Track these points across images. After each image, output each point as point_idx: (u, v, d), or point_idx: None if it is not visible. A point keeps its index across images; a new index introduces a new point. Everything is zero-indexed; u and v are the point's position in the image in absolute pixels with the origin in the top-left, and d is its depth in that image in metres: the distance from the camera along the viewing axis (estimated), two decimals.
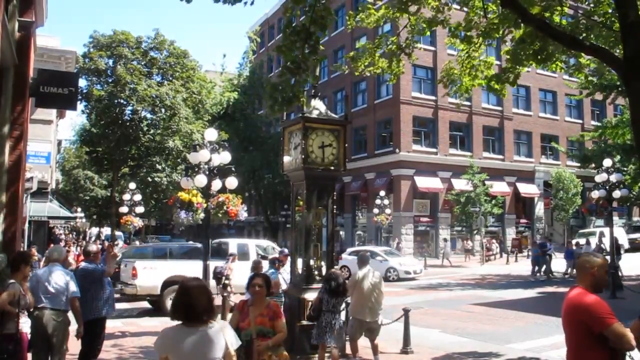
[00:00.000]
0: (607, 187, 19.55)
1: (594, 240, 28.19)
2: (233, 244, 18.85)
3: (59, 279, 7.05)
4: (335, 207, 9.08)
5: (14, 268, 6.61)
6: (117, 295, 11.85)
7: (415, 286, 22.61)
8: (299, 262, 9.14)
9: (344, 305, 8.27)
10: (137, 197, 27.37)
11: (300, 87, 7.40)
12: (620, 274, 20.35)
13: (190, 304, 3.57)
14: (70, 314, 7.21)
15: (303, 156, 8.42)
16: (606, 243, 26.03)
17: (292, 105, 7.72)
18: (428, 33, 12.26)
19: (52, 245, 16.12)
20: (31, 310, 6.71)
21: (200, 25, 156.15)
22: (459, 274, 28.16)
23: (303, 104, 8.28)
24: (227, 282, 13.35)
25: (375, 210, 32.32)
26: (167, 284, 14.40)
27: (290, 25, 7.26)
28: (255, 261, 11.77)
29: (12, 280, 6.39)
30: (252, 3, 7.69)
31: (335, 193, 9.21)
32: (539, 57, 9.37)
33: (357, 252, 26.08)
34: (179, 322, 3.59)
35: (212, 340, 3.54)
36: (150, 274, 14.82)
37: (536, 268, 25.47)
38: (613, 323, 3.86)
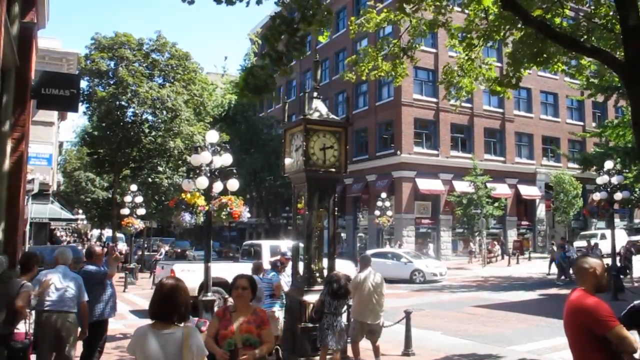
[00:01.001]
0: (609, 189, 19.54)
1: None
2: (266, 245, 18.96)
3: (68, 281, 7.05)
4: (336, 209, 9.08)
5: (26, 268, 6.67)
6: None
7: (418, 288, 22.60)
8: (300, 264, 9.14)
9: (345, 307, 8.27)
10: (139, 199, 27.37)
11: (274, 78, 7.34)
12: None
13: (162, 302, 3.65)
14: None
15: (304, 158, 8.41)
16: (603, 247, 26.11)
17: (262, 94, 7.65)
18: (428, 36, 12.29)
19: (57, 247, 16.12)
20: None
21: (201, 27, 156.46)
22: (460, 275, 28.15)
23: (273, 98, 8.26)
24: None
25: (377, 212, 32.26)
26: (204, 286, 14.60)
27: (281, 16, 7.24)
28: (256, 263, 11.74)
29: (24, 281, 6.42)
30: (248, 3, 7.69)
31: (336, 195, 9.22)
32: (538, 59, 9.38)
33: (380, 253, 26.08)
34: (150, 322, 3.67)
35: (175, 343, 3.57)
36: (189, 276, 15.00)
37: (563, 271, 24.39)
38: (615, 326, 3.85)
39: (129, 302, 18.05)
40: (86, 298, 7.14)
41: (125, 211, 27.08)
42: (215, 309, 12.75)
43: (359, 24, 11.74)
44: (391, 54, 11.42)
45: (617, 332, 3.84)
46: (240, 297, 4.90)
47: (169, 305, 3.63)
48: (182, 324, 3.69)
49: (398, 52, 11.31)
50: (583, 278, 4.17)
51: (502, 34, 10.39)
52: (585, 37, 9.85)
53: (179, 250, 47.43)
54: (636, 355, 3.99)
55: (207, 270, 12.53)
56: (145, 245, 41.29)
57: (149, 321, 3.70)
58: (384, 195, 33.02)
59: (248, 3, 7.69)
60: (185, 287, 3.79)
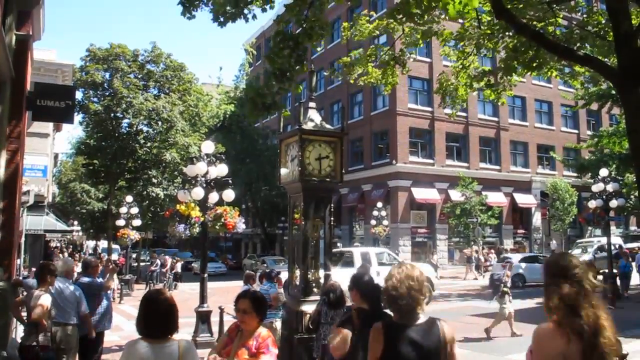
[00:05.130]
0: (604, 197, 19.59)
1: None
2: (357, 252, 20.21)
3: (69, 293, 7.03)
4: (332, 218, 9.07)
5: (41, 280, 6.69)
6: None
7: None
8: (297, 274, 9.13)
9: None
10: (134, 210, 27.30)
11: (281, 96, 7.45)
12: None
13: (150, 317, 3.54)
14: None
15: (300, 168, 8.40)
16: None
17: (270, 112, 7.78)
18: (422, 44, 12.37)
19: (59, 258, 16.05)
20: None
21: (196, 38, 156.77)
22: (457, 285, 28.10)
23: (284, 113, 8.38)
24: (505, 289, 13.44)
25: (373, 222, 32.29)
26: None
27: (281, 33, 7.33)
28: (248, 274, 11.68)
29: (41, 292, 6.47)
30: (253, 18, 7.79)
31: (332, 205, 9.21)
32: (532, 64, 9.44)
33: (530, 258, 26.33)
34: (140, 337, 3.56)
35: (170, 358, 3.47)
36: None
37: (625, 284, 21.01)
38: None
39: (125, 314, 17.94)
40: (85, 308, 7.11)
41: (120, 222, 27.02)
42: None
43: (352, 32, 11.82)
44: (382, 62, 11.49)
45: None
46: (242, 322, 4.34)
47: (163, 319, 3.55)
48: (175, 338, 3.60)
49: (389, 60, 11.37)
50: None
51: (495, 41, 10.46)
52: (579, 44, 9.93)
53: (182, 262, 46.73)
54: None
55: (203, 281, 12.49)
56: (147, 258, 41.10)
57: None
58: (379, 204, 33.08)
59: (247, 19, 7.79)
60: (170, 299, 3.68)
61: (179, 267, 30.39)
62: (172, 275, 29.00)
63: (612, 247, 25.32)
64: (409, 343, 3.27)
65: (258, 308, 4.31)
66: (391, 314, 3.53)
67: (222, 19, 7.80)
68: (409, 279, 3.38)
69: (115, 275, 13.62)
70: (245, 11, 7.81)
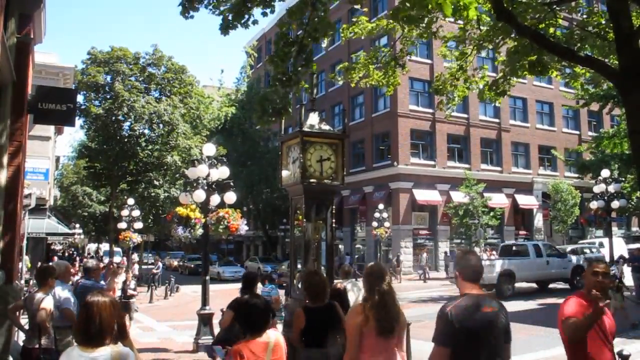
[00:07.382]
0: (606, 198, 19.56)
1: None
2: (530, 245, 24.59)
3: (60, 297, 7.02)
4: (334, 220, 9.06)
5: (42, 282, 6.67)
6: None
7: (416, 299, 22.53)
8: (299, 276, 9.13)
9: None
10: (136, 213, 27.32)
11: (289, 99, 7.46)
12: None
13: (87, 322, 3.30)
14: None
15: (301, 170, 8.40)
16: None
17: (281, 116, 7.82)
18: (417, 44, 12.40)
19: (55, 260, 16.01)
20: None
21: (197, 40, 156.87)
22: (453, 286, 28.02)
23: (293, 117, 8.39)
24: (620, 284, 13.61)
25: (374, 224, 32.28)
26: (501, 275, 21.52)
27: (284, 37, 7.34)
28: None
29: (44, 295, 6.44)
30: (254, 23, 7.82)
31: (334, 206, 9.20)
32: (536, 68, 9.43)
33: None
34: (76, 345, 3.34)
35: None
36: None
37: None
38: (564, 317, 4.16)
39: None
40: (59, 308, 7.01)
41: (122, 225, 27.03)
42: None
43: (350, 31, 11.83)
44: (383, 63, 11.50)
45: (566, 323, 4.14)
46: None
47: (93, 324, 3.27)
48: (115, 345, 3.36)
49: (389, 61, 11.38)
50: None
51: (495, 42, 10.46)
52: (579, 45, 9.92)
53: (192, 266, 44.94)
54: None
55: (204, 283, 12.49)
56: (153, 261, 41.02)
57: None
58: (381, 206, 33.09)
59: (247, 26, 7.83)
60: (108, 301, 3.40)
61: (135, 269, 28.41)
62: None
63: (626, 251, 25.33)
64: (319, 317, 5.32)
65: (238, 315, 4.42)
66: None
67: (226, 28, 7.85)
68: (316, 275, 5.80)
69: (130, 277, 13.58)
70: (247, 17, 7.85)
